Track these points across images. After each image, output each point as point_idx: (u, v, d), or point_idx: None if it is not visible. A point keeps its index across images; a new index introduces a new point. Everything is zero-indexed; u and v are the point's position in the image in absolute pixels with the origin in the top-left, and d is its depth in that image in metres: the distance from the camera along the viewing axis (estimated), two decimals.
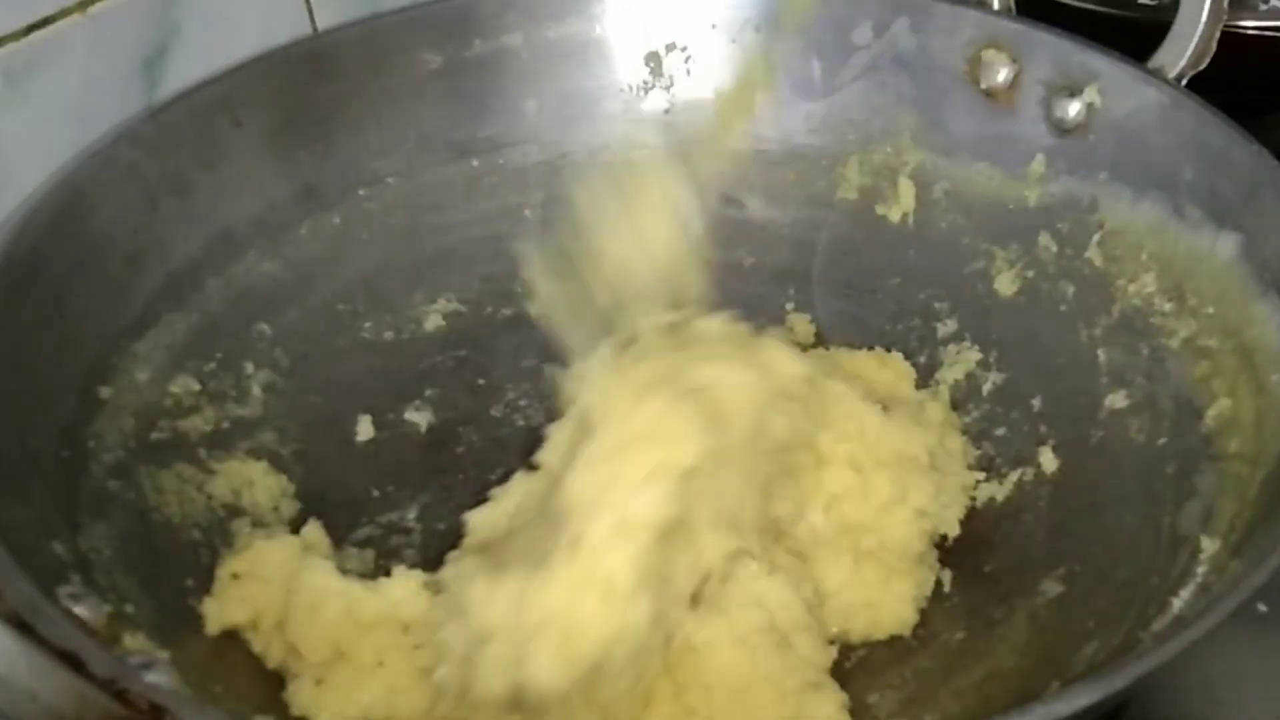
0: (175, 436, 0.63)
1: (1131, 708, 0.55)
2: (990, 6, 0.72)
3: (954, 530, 0.64)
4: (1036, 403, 0.67)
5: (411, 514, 0.68)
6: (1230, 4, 0.65)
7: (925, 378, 0.72)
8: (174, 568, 0.58)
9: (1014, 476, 0.66)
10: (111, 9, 0.70)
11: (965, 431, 0.69)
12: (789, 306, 0.76)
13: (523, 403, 0.74)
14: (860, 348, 0.73)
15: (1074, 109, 0.67)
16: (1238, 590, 0.46)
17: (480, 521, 0.61)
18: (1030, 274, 0.69)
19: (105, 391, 0.59)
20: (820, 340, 0.75)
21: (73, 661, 0.43)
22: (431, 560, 0.62)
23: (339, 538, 0.65)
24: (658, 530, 0.52)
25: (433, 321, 0.74)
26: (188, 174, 0.65)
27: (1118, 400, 0.63)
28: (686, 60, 0.76)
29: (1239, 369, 0.57)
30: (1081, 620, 0.55)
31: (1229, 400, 0.57)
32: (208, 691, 0.51)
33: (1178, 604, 0.50)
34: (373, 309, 0.72)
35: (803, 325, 0.75)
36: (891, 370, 0.71)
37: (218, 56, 0.70)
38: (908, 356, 0.72)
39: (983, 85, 0.70)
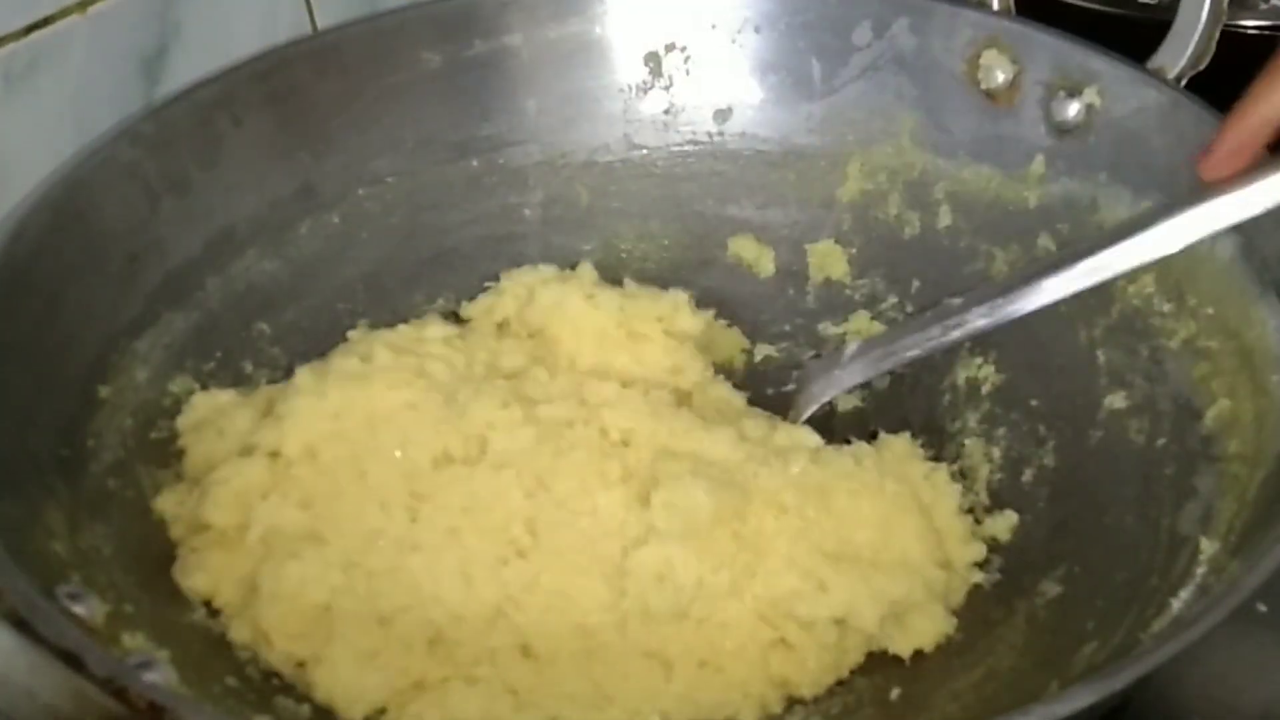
0: (175, 436, 0.63)
1: (1131, 708, 0.55)
2: (990, 6, 0.72)
3: None
4: (1036, 403, 0.67)
5: None
6: (1230, 4, 0.65)
7: (928, 378, 0.72)
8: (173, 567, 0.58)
9: (1013, 477, 0.66)
10: (111, 9, 0.70)
11: (965, 432, 0.69)
12: None
13: None
14: None
15: (1074, 109, 0.67)
16: (1237, 591, 0.46)
17: None
18: None
19: (105, 391, 0.59)
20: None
21: (72, 660, 0.43)
22: None
23: None
24: None
25: None
26: (188, 173, 0.65)
27: (1117, 401, 0.63)
28: (686, 60, 0.76)
29: (1238, 370, 0.57)
30: (1080, 621, 0.55)
31: (1228, 401, 0.57)
32: (207, 691, 0.51)
33: (1177, 605, 0.50)
34: (372, 308, 0.72)
35: None
36: None
37: (218, 56, 0.70)
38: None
39: (983, 85, 0.70)
